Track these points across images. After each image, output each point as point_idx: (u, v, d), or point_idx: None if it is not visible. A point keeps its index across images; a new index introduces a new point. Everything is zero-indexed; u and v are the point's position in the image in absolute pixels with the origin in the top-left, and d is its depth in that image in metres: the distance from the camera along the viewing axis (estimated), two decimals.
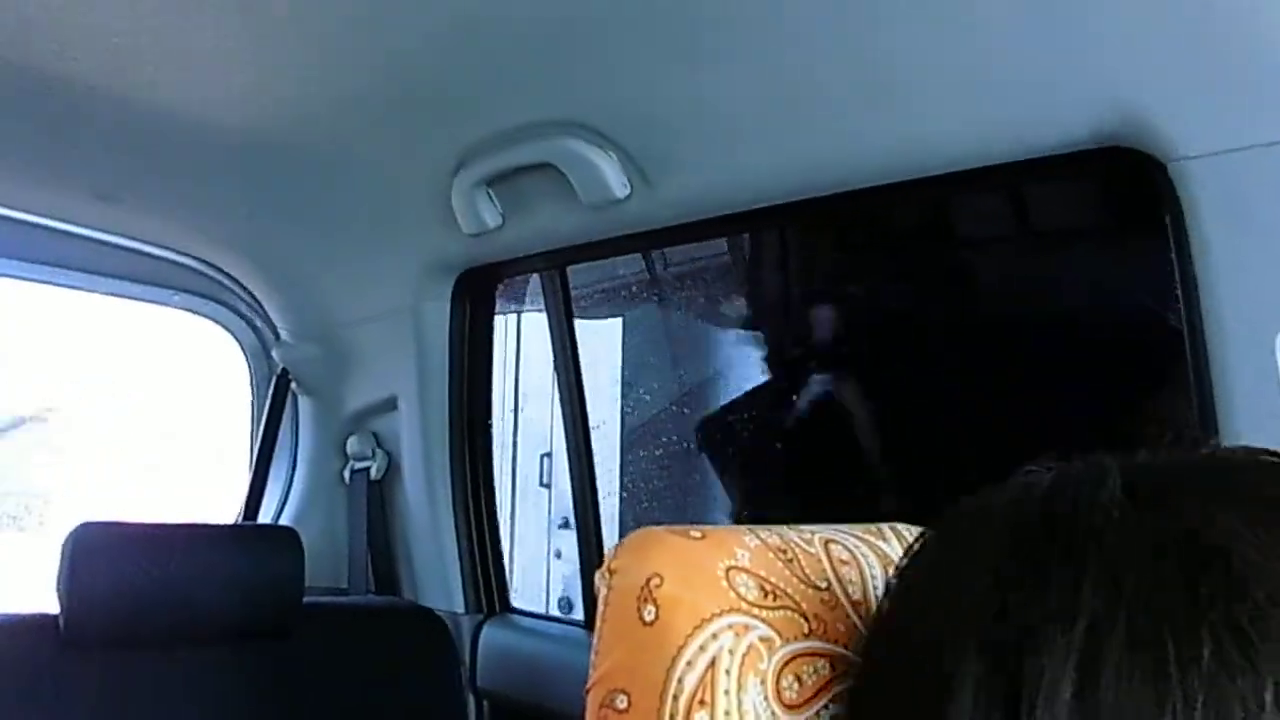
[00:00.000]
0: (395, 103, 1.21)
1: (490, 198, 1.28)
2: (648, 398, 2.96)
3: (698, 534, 0.52)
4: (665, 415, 2.86)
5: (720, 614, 0.48)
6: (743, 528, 0.55)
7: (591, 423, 1.44)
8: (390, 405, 1.63)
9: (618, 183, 1.13)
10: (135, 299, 1.83)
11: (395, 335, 1.58)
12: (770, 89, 0.98)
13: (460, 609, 1.55)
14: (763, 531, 0.55)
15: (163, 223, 1.63)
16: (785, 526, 0.57)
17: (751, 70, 0.98)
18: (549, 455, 3.45)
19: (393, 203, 1.43)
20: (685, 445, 2.75)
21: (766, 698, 0.47)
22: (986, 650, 0.40)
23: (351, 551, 1.69)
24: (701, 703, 0.46)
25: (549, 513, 3.45)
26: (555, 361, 1.47)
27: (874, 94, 0.94)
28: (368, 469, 1.69)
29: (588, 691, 0.52)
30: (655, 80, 1.04)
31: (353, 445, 1.71)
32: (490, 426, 1.57)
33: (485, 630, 1.55)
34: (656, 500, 2.81)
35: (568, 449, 1.48)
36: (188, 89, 1.17)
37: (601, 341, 3.11)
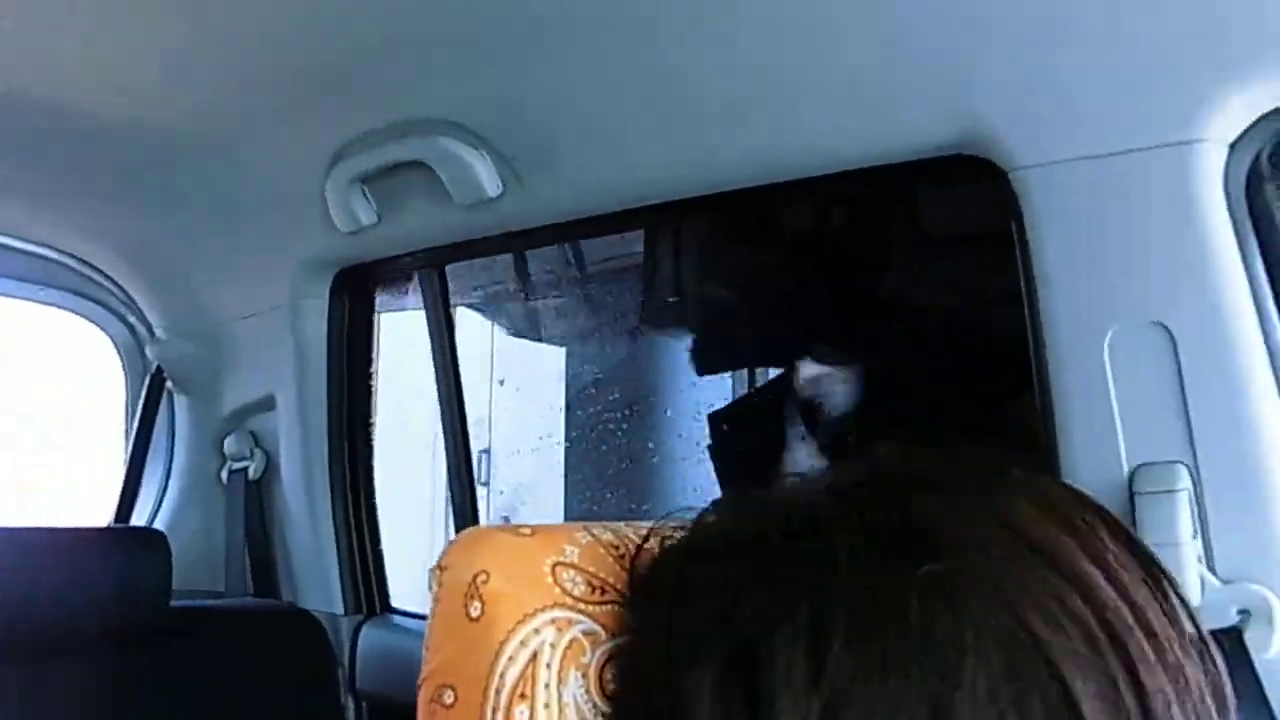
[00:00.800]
0: (269, 97, 1.19)
1: (365, 195, 1.27)
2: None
3: (528, 531, 0.53)
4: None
5: (543, 609, 0.49)
6: (578, 525, 0.56)
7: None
8: (269, 404, 1.60)
9: (490, 182, 1.13)
10: (2, 295, 1.77)
11: (273, 333, 1.55)
12: (638, 91, 0.99)
13: (339, 610, 1.54)
14: (596, 528, 0.56)
15: (30, 217, 1.57)
16: (622, 524, 0.58)
17: (620, 73, 0.99)
18: (487, 452, 3.38)
19: (269, 198, 1.40)
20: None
21: (588, 690, 0.48)
22: (720, 653, 0.42)
23: (229, 553, 1.66)
24: (522, 696, 0.47)
25: (487, 513, 3.40)
26: (434, 360, 1.46)
27: (736, 99, 0.96)
28: (246, 469, 1.66)
29: (419, 687, 0.53)
30: (526, 81, 1.04)
31: (230, 445, 1.67)
32: (371, 425, 1.56)
33: (364, 631, 1.53)
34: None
35: (446, 449, 1.47)
36: (53, 77, 1.13)
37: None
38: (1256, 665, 0.74)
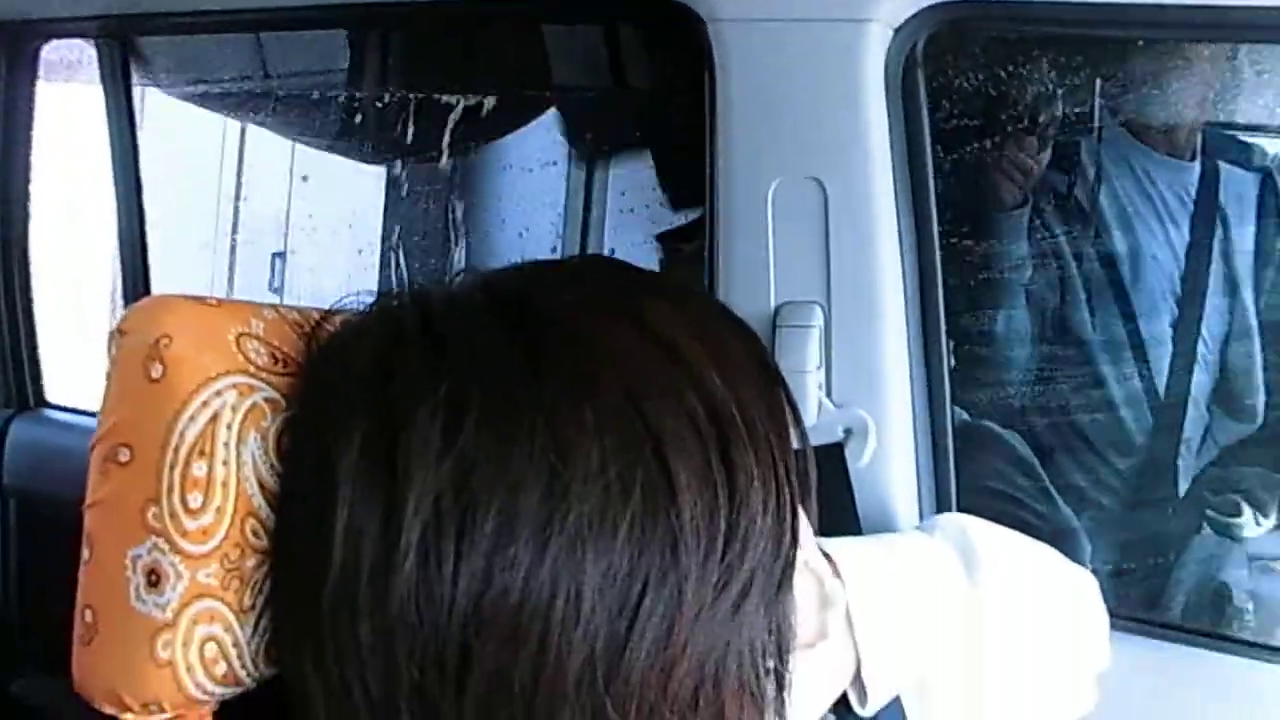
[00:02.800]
0: None
1: None
2: None
3: (214, 302, 0.54)
4: None
5: (226, 374, 0.51)
6: (266, 303, 0.57)
7: None
8: None
9: None
10: None
11: None
12: None
13: None
14: (284, 308, 0.58)
15: None
16: (312, 306, 0.60)
17: None
18: (282, 255, 3.05)
19: None
20: None
21: (266, 451, 0.51)
22: (365, 422, 0.46)
23: None
24: (201, 453, 0.49)
25: None
26: (110, 145, 1.36)
27: None
28: None
29: (92, 449, 0.53)
30: None
31: None
32: (29, 201, 1.42)
33: (15, 426, 1.45)
34: None
35: (120, 244, 1.39)
36: None
37: None
38: (851, 474, 0.88)
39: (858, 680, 0.66)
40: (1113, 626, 0.82)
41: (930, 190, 0.93)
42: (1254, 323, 1.27)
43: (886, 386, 0.90)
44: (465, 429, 0.45)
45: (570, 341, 0.48)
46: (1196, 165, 1.24)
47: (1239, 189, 1.24)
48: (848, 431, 0.89)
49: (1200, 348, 1.25)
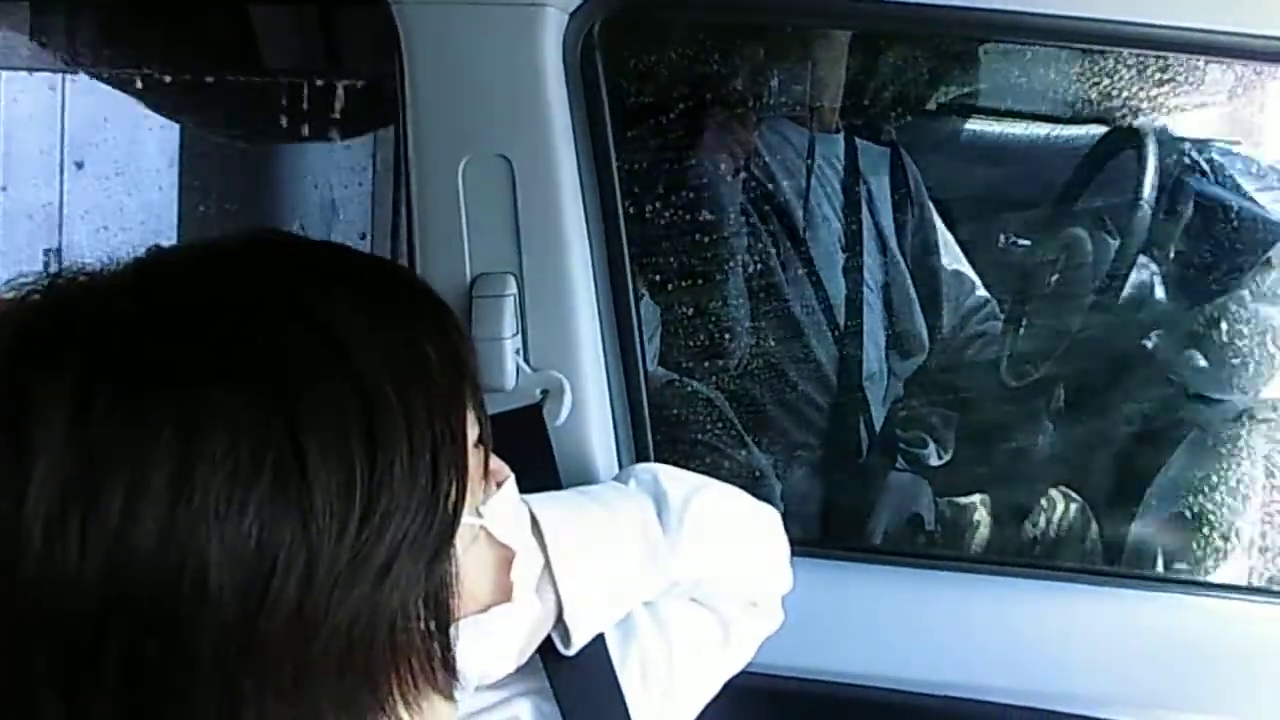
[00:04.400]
0: None
1: None
2: None
3: None
4: None
5: None
6: None
7: None
8: None
9: None
10: None
11: None
12: None
13: None
14: None
15: None
16: None
17: None
18: (57, 251, 2.57)
19: None
20: None
21: None
22: (69, 397, 0.46)
23: None
24: None
25: None
26: None
27: None
28: None
29: None
30: None
31: None
32: None
33: None
34: None
35: None
36: None
37: None
38: (550, 433, 0.94)
39: (561, 623, 0.69)
40: (805, 553, 0.90)
41: (613, 164, 1.00)
42: (904, 269, 1.45)
43: (579, 348, 0.96)
44: (94, 415, 0.46)
45: (211, 330, 0.49)
46: (841, 139, 1.40)
47: (873, 159, 1.41)
48: (545, 393, 0.94)
49: (865, 292, 1.41)
